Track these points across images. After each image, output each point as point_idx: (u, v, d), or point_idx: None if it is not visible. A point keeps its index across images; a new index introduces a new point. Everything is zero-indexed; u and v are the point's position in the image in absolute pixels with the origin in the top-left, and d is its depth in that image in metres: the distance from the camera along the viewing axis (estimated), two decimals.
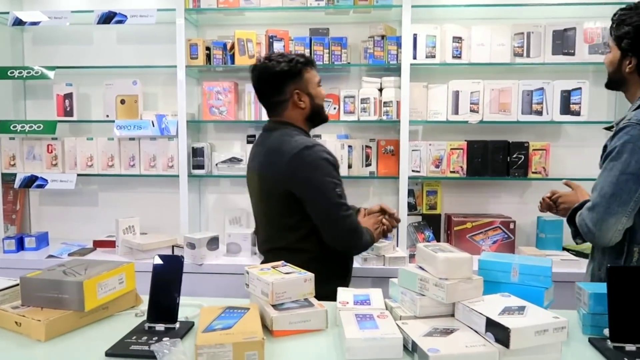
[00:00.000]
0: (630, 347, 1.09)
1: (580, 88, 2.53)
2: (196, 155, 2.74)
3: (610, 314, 1.12)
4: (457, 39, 2.59)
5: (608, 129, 1.61)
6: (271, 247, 1.77)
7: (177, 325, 1.19)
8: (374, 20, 2.72)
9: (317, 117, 1.80)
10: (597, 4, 2.53)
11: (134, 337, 1.13)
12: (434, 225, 2.69)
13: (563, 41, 2.55)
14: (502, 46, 2.58)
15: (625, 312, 1.12)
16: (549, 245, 2.56)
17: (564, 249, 2.56)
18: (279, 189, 1.68)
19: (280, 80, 1.71)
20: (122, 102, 2.76)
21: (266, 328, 1.19)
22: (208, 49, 2.73)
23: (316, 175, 1.63)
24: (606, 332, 1.14)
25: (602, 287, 1.19)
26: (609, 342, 1.11)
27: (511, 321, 1.02)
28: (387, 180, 2.78)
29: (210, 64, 2.73)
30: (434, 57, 2.60)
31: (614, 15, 1.54)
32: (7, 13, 2.74)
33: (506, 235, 2.55)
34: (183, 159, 2.67)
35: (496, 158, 2.59)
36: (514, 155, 2.58)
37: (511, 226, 2.55)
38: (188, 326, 1.21)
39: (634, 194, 1.40)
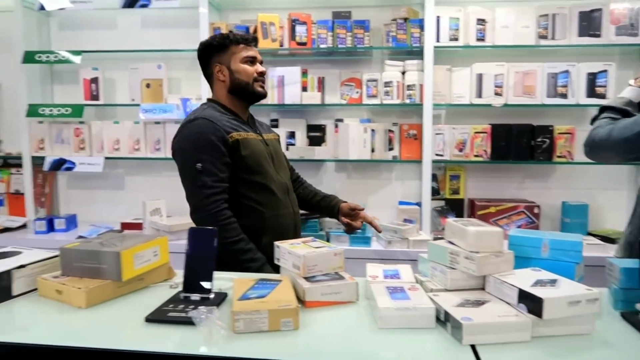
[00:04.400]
0: None
1: (606, 70, 2.49)
2: None
3: None
4: (481, 21, 2.57)
5: None
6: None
7: (212, 295, 1.22)
8: (396, 4, 2.71)
9: (240, 91, 1.81)
10: None
11: (171, 305, 1.16)
12: (457, 209, 2.69)
13: (589, 22, 2.51)
14: (527, 28, 2.56)
15: None
16: (574, 230, 2.54)
17: (589, 233, 2.54)
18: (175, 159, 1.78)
19: (205, 53, 1.83)
20: (148, 86, 2.80)
21: (298, 299, 1.21)
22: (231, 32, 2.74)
23: (180, 150, 1.73)
24: (638, 306, 1.14)
25: (633, 263, 1.19)
26: None
27: (544, 292, 1.03)
28: (410, 165, 2.79)
29: None
30: (457, 39, 2.59)
31: None
32: None
33: (530, 220, 2.54)
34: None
35: (520, 142, 2.58)
36: (539, 139, 2.56)
37: (535, 211, 2.54)
38: (222, 297, 1.23)
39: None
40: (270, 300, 1.10)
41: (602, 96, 2.50)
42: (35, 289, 1.27)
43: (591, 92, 2.52)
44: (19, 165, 2.92)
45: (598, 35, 2.52)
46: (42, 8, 2.78)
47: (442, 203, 2.69)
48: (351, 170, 2.90)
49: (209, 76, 1.85)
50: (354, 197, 2.85)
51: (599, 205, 2.67)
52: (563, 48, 2.59)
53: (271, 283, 1.22)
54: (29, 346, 1.00)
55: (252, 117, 1.91)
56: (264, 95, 1.86)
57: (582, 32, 2.54)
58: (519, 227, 2.53)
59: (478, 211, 2.56)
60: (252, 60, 1.82)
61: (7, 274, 1.22)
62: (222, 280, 1.36)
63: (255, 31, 2.71)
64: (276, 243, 1.39)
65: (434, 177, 2.69)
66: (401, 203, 2.70)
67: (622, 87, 2.55)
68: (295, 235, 1.88)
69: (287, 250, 1.33)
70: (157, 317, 1.10)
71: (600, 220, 2.63)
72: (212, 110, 1.76)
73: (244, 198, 1.73)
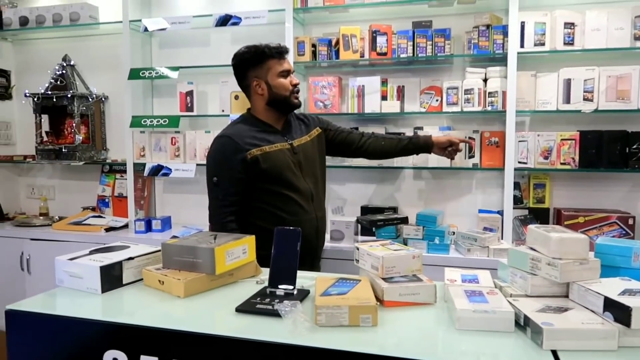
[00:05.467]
0: None
1: None
2: None
3: None
4: (569, 25, 2.48)
5: None
6: None
7: (295, 291, 1.30)
8: (478, 11, 2.68)
9: (279, 104, 1.95)
10: None
11: (259, 298, 1.25)
12: (542, 219, 2.60)
13: None
14: (621, 30, 2.43)
15: None
16: None
17: None
18: None
19: (241, 67, 1.96)
20: (236, 97, 2.99)
21: (377, 299, 1.25)
22: (314, 45, 2.87)
23: (207, 163, 1.96)
24: None
25: None
26: None
27: (633, 301, 1.00)
28: (492, 172, 2.73)
29: (315, 59, 2.86)
30: (543, 44, 2.51)
31: None
32: (139, 21, 3.09)
33: (624, 232, 2.39)
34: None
35: (613, 149, 2.44)
36: (634, 146, 2.41)
37: (630, 222, 2.39)
38: (304, 293, 1.31)
39: None
40: (350, 297, 1.16)
41: None
42: (141, 279, 1.42)
43: None
44: (123, 171, 3.23)
45: None
46: (145, 29, 3.07)
47: (526, 212, 2.61)
48: (430, 178, 2.89)
49: (245, 87, 2.00)
50: (433, 205, 2.86)
51: None
52: None
53: (351, 282, 1.28)
54: (135, 326, 1.13)
55: (288, 122, 2.04)
56: (299, 106, 2.02)
57: None
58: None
59: (565, 221, 2.45)
60: (286, 74, 1.96)
61: (119, 264, 1.38)
62: (303, 279, 1.44)
63: (337, 43, 2.81)
64: (356, 245, 1.45)
65: (517, 186, 2.61)
66: (481, 211, 2.65)
67: None
68: (318, 240, 2.02)
69: (367, 251, 1.38)
70: (246, 308, 1.20)
71: None
72: (242, 125, 1.95)
73: (268, 205, 1.91)
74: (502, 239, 2.48)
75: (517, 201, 2.63)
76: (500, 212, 2.58)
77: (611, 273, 1.21)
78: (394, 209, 2.79)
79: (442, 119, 2.83)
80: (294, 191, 1.92)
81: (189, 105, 3.12)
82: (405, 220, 2.49)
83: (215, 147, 1.93)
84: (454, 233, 2.54)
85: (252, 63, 1.94)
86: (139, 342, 1.12)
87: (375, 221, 2.36)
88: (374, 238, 2.46)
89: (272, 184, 1.90)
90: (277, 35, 2.88)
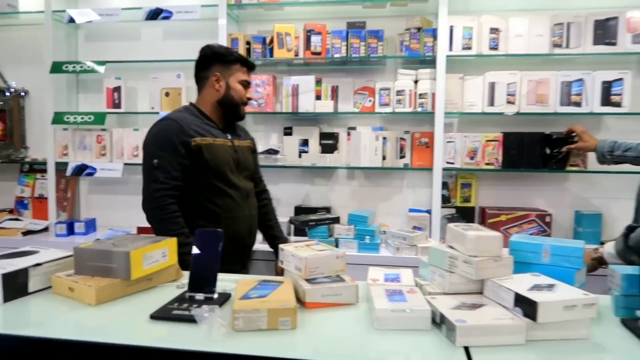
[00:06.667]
0: None
1: (622, 79, 2.47)
2: None
3: None
4: (494, 30, 2.58)
5: None
6: None
7: (216, 295, 1.26)
8: (410, 13, 2.74)
9: (228, 107, 1.97)
10: None
11: (176, 304, 1.20)
12: (468, 217, 2.69)
13: (604, 31, 2.50)
14: (541, 37, 2.55)
15: None
16: (587, 239, 2.43)
17: (602, 243, 2.50)
18: None
19: (210, 58, 1.96)
20: (167, 94, 2.89)
21: (300, 301, 1.24)
22: (248, 43, 2.82)
23: (144, 146, 1.88)
24: (638, 313, 1.13)
25: (634, 269, 1.19)
26: None
27: (539, 296, 1.04)
28: (422, 172, 2.80)
29: (250, 57, 2.81)
30: (470, 48, 2.60)
31: None
32: (64, 11, 2.92)
33: (542, 229, 2.52)
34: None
35: (533, 150, 2.57)
36: (555, 150, 2.54)
37: (547, 219, 2.52)
38: (225, 297, 1.27)
39: None
40: (270, 300, 1.13)
41: (617, 104, 2.48)
42: (50, 287, 1.33)
43: (606, 100, 2.50)
44: (44, 171, 3.03)
45: (614, 44, 2.51)
46: (71, 20, 2.90)
47: (453, 211, 2.69)
48: (363, 178, 2.92)
49: (202, 78, 1.98)
50: (366, 205, 2.89)
51: (613, 215, 2.63)
52: (578, 56, 2.58)
53: (273, 284, 1.26)
54: (41, 339, 1.05)
55: (229, 125, 2.03)
56: (242, 119, 2.06)
57: (598, 40, 2.52)
58: (530, 235, 2.51)
59: (489, 219, 2.55)
60: (246, 85, 1.99)
61: (24, 271, 1.28)
62: (226, 282, 1.40)
63: (271, 41, 2.78)
64: (281, 246, 1.43)
65: (445, 185, 2.69)
66: (411, 210, 2.71)
67: (639, 95, 2.55)
68: (250, 238, 2.02)
69: (291, 252, 1.36)
70: (162, 315, 1.15)
71: (614, 229, 2.59)
72: (186, 114, 1.92)
73: (202, 199, 1.87)
74: (430, 237, 2.55)
75: (446, 200, 2.70)
76: (429, 211, 2.65)
77: (524, 269, 1.26)
78: (328, 209, 2.80)
79: (375, 119, 2.86)
80: (230, 187, 1.91)
81: (117, 101, 2.98)
82: (337, 220, 2.50)
83: (158, 129, 1.87)
84: (384, 232, 2.57)
85: (221, 59, 1.95)
86: (44, 355, 1.04)
87: (307, 221, 2.35)
88: (307, 238, 2.45)
89: (211, 177, 1.87)
90: (210, 31, 2.81)
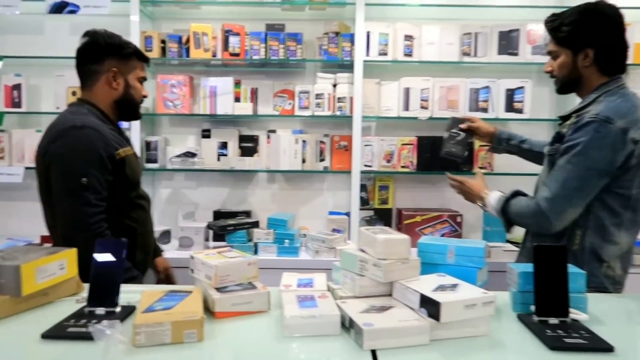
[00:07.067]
0: (553, 321, 1.16)
1: (523, 87, 2.65)
2: (150, 149, 2.71)
3: (536, 290, 1.19)
4: (409, 38, 2.67)
5: (564, 118, 1.61)
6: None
7: (118, 309, 1.19)
8: (329, 18, 2.77)
9: (126, 107, 1.76)
10: (539, 7, 2.66)
11: (72, 320, 1.12)
12: (385, 219, 2.76)
13: (508, 42, 2.67)
14: (451, 45, 2.68)
15: (549, 288, 1.19)
16: (494, 238, 2.66)
17: (507, 241, 2.67)
18: (45, 164, 1.63)
19: (106, 51, 1.69)
20: (74, 93, 2.70)
21: (210, 311, 1.20)
22: (163, 42, 2.71)
23: (62, 157, 1.58)
24: (533, 308, 1.20)
25: (530, 267, 1.26)
26: (534, 317, 1.18)
27: (442, 296, 1.07)
28: (341, 175, 2.83)
29: (165, 56, 2.71)
30: (386, 54, 2.67)
31: (549, 22, 1.58)
32: None
33: (454, 228, 2.64)
34: (136, 152, 2.62)
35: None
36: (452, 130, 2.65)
37: (458, 219, 2.64)
38: (129, 310, 1.20)
39: (596, 189, 1.47)
40: (176, 311, 1.08)
41: (520, 111, 2.65)
42: None
43: (509, 107, 2.67)
44: None
45: (516, 54, 2.68)
46: None
47: (372, 213, 2.75)
48: (283, 181, 2.91)
49: (94, 72, 1.70)
50: (286, 208, 2.88)
51: None
52: (484, 65, 2.73)
53: (180, 294, 1.21)
54: None
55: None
56: (139, 119, 1.87)
57: (502, 50, 2.69)
58: (442, 235, 2.62)
59: (405, 220, 2.63)
60: (142, 82, 1.80)
61: None
62: (132, 294, 1.32)
63: (187, 41, 2.69)
64: (191, 254, 1.37)
65: (364, 188, 2.74)
66: (331, 213, 2.74)
67: (538, 102, 2.74)
68: (155, 251, 1.95)
69: (201, 260, 1.31)
70: (55, 333, 1.06)
71: (519, 228, 2.76)
72: (94, 118, 1.66)
73: (120, 216, 1.67)
74: (349, 239, 2.58)
75: (364, 202, 2.76)
76: (348, 214, 2.69)
77: (431, 270, 1.30)
78: (248, 213, 2.75)
79: (295, 122, 2.86)
80: (143, 199, 1.78)
81: (17, 100, 2.74)
82: (256, 225, 2.47)
83: (78, 138, 1.57)
84: (304, 235, 2.58)
85: (117, 52, 1.70)
86: None
87: (226, 226, 2.30)
88: (225, 244, 2.40)
89: (130, 191, 1.71)
90: (121, 28, 2.63)
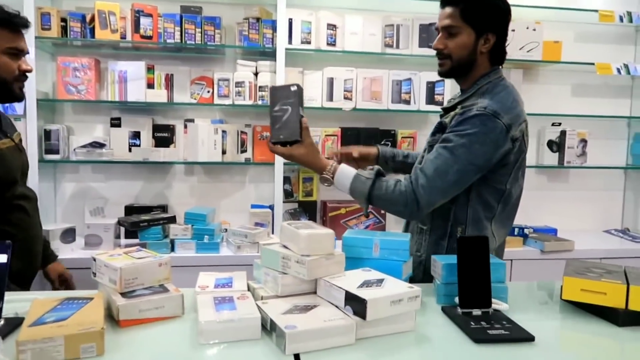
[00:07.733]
0: (476, 312, 1.16)
1: (443, 80, 2.69)
2: (49, 139, 2.45)
3: (459, 282, 1.18)
4: (332, 27, 2.62)
5: (447, 109, 1.54)
6: None
7: (1, 322, 1.02)
8: (249, 2, 2.64)
9: None
10: None
11: None
12: (310, 211, 2.70)
13: (428, 35, 2.69)
14: (374, 36, 2.66)
15: (472, 280, 1.18)
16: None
17: None
18: None
19: None
20: None
21: (114, 319, 1.07)
22: (64, 20, 2.45)
23: None
24: (457, 299, 1.19)
25: (454, 259, 1.25)
26: (458, 309, 1.17)
27: (368, 293, 1.02)
28: (264, 167, 2.73)
29: (66, 36, 2.45)
30: (309, 43, 2.60)
31: None
32: None
33: (378, 220, 2.64)
34: (32, 142, 2.36)
35: (368, 145, 2.66)
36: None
37: (382, 211, 2.65)
38: (16, 322, 1.04)
39: (469, 183, 1.42)
40: (71, 323, 0.94)
41: (440, 103, 2.69)
42: None
43: (431, 99, 2.71)
44: None
45: None
46: None
47: (296, 205, 2.69)
48: (202, 173, 2.76)
49: None
50: (206, 202, 2.73)
51: None
52: (406, 57, 2.74)
53: (79, 302, 1.06)
54: None
55: None
56: (20, 100, 1.58)
57: (422, 43, 2.71)
58: (367, 227, 2.61)
59: (330, 213, 2.59)
60: (16, 54, 1.51)
61: None
62: (22, 302, 1.16)
63: (92, 20, 2.45)
64: (93, 255, 1.23)
65: (287, 180, 2.67)
66: (254, 206, 2.63)
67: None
68: (48, 258, 1.76)
69: (104, 262, 1.17)
70: None
71: None
72: None
73: None
74: (272, 233, 2.50)
75: (288, 195, 2.68)
76: (272, 207, 2.60)
77: (357, 264, 1.26)
78: (164, 208, 2.58)
79: (214, 111, 2.72)
80: (24, 199, 1.56)
81: None
82: (172, 220, 2.31)
83: None
84: (225, 230, 2.46)
85: None
86: None
87: (138, 222, 2.13)
88: (138, 241, 2.22)
89: (4, 192, 1.49)
90: (14, 2, 2.36)
